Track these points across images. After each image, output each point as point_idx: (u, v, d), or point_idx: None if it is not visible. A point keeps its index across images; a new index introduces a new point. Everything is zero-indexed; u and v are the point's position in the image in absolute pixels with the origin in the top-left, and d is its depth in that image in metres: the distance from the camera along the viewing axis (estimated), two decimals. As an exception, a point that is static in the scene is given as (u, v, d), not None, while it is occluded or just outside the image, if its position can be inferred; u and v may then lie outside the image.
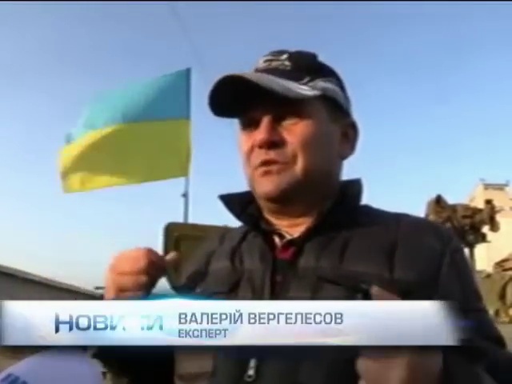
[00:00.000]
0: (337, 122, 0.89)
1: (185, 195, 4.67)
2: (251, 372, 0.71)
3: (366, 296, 0.70)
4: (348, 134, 0.92)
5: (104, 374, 0.85)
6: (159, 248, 3.06)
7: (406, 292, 0.71)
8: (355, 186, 0.90)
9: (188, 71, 4.83)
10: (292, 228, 0.85)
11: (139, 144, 4.80)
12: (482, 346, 0.72)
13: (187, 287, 0.88)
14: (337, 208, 0.83)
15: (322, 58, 0.92)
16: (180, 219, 4.30)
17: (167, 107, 4.75)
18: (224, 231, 0.98)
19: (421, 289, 0.74)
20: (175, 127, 4.74)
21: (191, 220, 4.36)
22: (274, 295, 0.76)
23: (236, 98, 0.85)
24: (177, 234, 2.84)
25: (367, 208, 0.91)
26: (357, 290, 0.71)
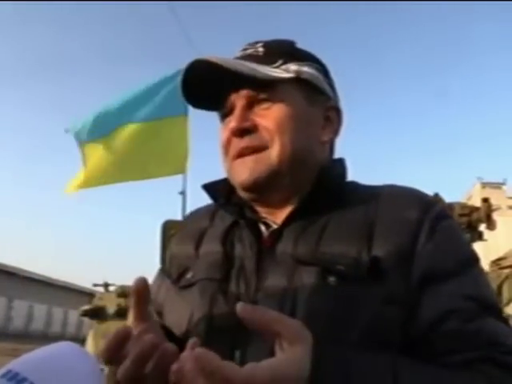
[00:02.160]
0: (316, 106, 0.86)
1: (182, 193, 4.67)
2: (237, 355, 0.70)
3: (340, 277, 0.70)
4: (330, 118, 0.89)
5: (103, 370, 0.85)
6: (157, 245, 3.07)
7: (385, 268, 0.71)
8: (336, 167, 0.87)
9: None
10: (277, 215, 0.83)
11: (138, 143, 4.81)
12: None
13: (179, 270, 0.87)
14: (316, 191, 0.81)
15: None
16: (178, 217, 4.30)
17: (165, 106, 4.75)
18: (213, 209, 0.94)
19: (398, 265, 0.71)
20: (173, 125, 4.74)
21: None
22: (259, 283, 0.75)
23: (210, 88, 0.83)
24: (174, 232, 2.84)
25: (353, 185, 0.87)
26: (330, 272, 0.71)
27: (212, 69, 0.79)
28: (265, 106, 0.82)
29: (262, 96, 0.82)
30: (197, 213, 0.99)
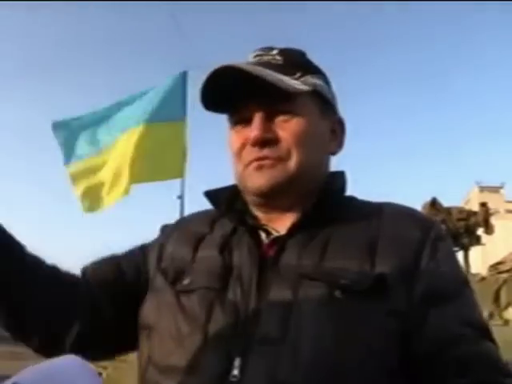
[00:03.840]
0: (326, 119, 0.88)
1: (180, 197, 4.68)
2: (236, 372, 0.69)
3: (345, 291, 0.71)
4: (336, 131, 0.91)
5: (100, 374, 0.85)
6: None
7: (389, 283, 0.72)
8: (338, 180, 0.89)
9: (185, 74, 4.84)
10: (278, 223, 0.84)
11: (137, 147, 4.81)
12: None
13: (176, 275, 0.85)
14: (320, 204, 0.82)
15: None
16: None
17: (164, 110, 4.76)
18: (214, 215, 0.93)
19: (402, 281, 0.73)
20: (172, 130, 4.75)
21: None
22: (260, 293, 0.75)
23: (227, 92, 0.83)
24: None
25: (352, 200, 0.90)
26: (335, 286, 0.71)
27: (233, 74, 0.79)
28: (285, 118, 0.83)
29: (282, 107, 0.82)
30: (196, 216, 0.98)
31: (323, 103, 0.88)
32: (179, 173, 4.68)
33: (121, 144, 4.82)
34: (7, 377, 0.63)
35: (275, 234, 0.83)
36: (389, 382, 0.69)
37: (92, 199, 4.80)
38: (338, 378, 0.67)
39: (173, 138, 4.74)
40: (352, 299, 0.71)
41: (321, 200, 0.83)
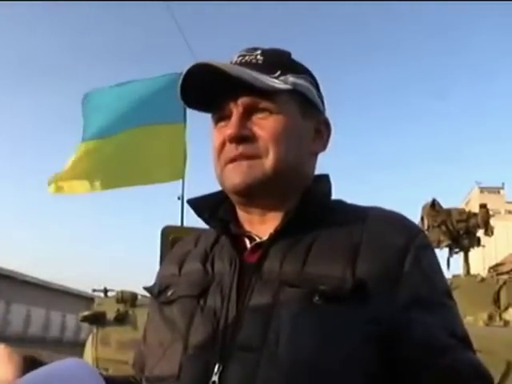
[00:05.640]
0: (309, 118, 0.88)
1: (180, 198, 4.69)
2: (215, 378, 0.70)
3: (324, 297, 0.71)
4: (321, 131, 0.91)
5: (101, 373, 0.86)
6: (156, 250, 3.09)
7: (369, 290, 0.72)
8: (322, 184, 0.89)
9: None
10: (261, 227, 0.84)
11: (136, 148, 4.82)
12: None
13: (160, 290, 0.89)
14: (304, 208, 0.82)
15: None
16: (177, 222, 4.31)
17: (163, 112, 4.77)
18: (200, 232, 0.96)
19: (383, 287, 0.73)
20: (172, 132, 4.76)
21: (187, 223, 4.38)
22: (240, 299, 0.75)
23: (206, 90, 0.84)
24: (172, 237, 2.87)
25: (339, 204, 0.89)
26: (315, 292, 0.72)
27: (212, 72, 0.80)
28: (262, 115, 0.83)
29: (261, 105, 0.83)
30: (185, 239, 1.01)
31: (305, 103, 0.87)
32: (179, 174, 4.69)
33: (118, 141, 4.83)
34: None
35: (258, 240, 0.83)
36: None
37: (62, 181, 4.85)
38: (315, 383, 0.67)
39: (173, 139, 4.76)
40: (331, 305, 0.71)
41: (304, 203, 0.82)
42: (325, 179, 0.90)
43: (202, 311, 0.78)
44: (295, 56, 0.92)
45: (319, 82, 0.94)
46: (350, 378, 0.68)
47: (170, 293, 0.85)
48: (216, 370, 0.70)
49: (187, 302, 0.80)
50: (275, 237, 0.80)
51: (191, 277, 0.85)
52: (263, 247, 0.81)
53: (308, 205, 0.82)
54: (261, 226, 0.85)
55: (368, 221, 0.81)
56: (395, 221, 0.83)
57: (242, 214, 0.88)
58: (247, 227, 0.87)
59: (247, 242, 0.84)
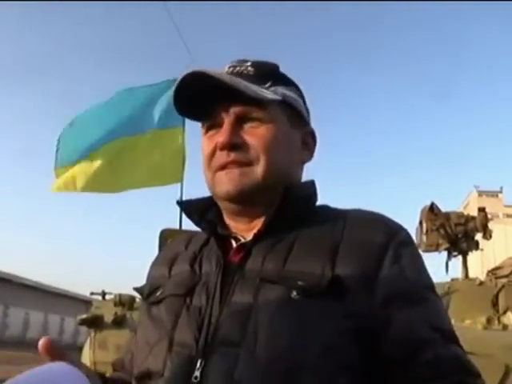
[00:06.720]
0: (297, 129, 0.91)
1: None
2: (197, 373, 0.72)
3: (302, 293, 0.73)
4: (307, 142, 0.94)
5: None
6: (155, 253, 3.08)
7: (347, 286, 0.73)
8: (304, 188, 0.91)
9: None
10: (248, 231, 0.86)
11: (136, 153, 4.84)
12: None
13: (150, 291, 0.91)
14: (284, 208, 0.84)
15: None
16: (176, 225, 4.32)
17: (164, 117, 4.80)
18: (191, 235, 0.99)
19: (362, 284, 0.74)
20: (171, 136, 4.79)
21: (185, 226, 4.38)
22: (224, 298, 0.78)
23: (198, 98, 0.86)
24: (171, 240, 2.87)
25: (323, 208, 0.91)
26: (293, 288, 0.73)
27: (205, 81, 0.82)
28: (254, 124, 0.85)
29: (252, 114, 0.85)
30: (175, 240, 1.03)
31: (294, 114, 0.90)
32: (177, 178, 4.71)
33: (117, 147, 4.84)
34: (2, 381, 0.63)
35: (243, 240, 0.85)
36: (347, 380, 0.70)
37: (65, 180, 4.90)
38: (292, 376, 0.69)
39: (171, 143, 4.78)
40: (308, 300, 0.73)
41: (284, 203, 0.84)
42: (309, 183, 0.93)
43: (187, 310, 0.80)
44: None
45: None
46: (326, 370, 0.70)
47: (158, 293, 0.88)
48: (198, 365, 0.73)
49: (174, 301, 0.83)
50: (258, 237, 0.83)
51: (179, 277, 0.87)
52: (247, 247, 0.83)
53: (288, 205, 0.84)
54: (248, 229, 0.87)
55: (348, 220, 0.84)
56: (375, 220, 0.85)
57: (229, 222, 0.90)
58: (234, 229, 0.89)
59: (234, 243, 0.87)
